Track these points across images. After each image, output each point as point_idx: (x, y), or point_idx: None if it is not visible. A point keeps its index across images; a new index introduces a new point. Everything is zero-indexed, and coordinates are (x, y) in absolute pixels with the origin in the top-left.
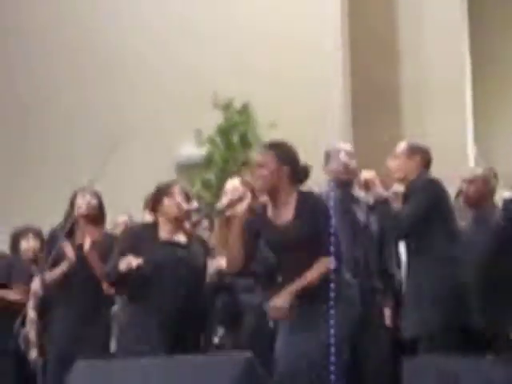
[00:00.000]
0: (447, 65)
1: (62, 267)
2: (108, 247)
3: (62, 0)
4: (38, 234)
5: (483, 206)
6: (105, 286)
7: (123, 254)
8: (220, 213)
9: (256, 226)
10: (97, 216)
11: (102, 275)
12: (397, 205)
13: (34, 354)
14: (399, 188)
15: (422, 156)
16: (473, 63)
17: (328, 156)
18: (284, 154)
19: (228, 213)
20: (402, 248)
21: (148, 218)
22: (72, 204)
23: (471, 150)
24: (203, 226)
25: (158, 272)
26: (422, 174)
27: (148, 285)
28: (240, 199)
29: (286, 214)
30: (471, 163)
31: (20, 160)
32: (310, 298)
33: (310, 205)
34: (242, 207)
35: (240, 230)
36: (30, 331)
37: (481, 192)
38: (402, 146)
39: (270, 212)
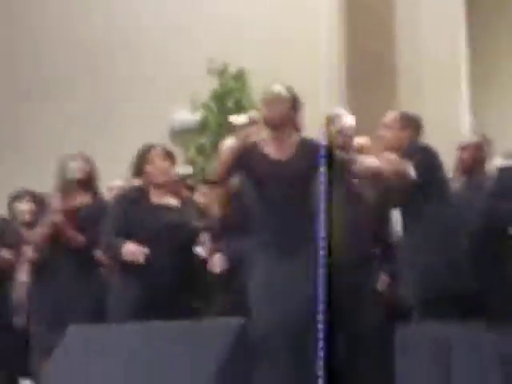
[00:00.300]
0: (443, 40)
1: (42, 228)
2: (99, 211)
3: None
4: (33, 196)
5: (476, 173)
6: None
7: (116, 219)
8: (237, 127)
9: (246, 159)
10: (88, 181)
11: (78, 242)
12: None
13: (22, 318)
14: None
15: (414, 126)
16: (468, 36)
17: (330, 120)
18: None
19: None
20: (396, 213)
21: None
22: (62, 168)
23: (468, 121)
24: (200, 190)
25: (149, 237)
26: (414, 142)
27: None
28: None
29: (285, 152)
30: (467, 134)
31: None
32: (289, 250)
33: (310, 147)
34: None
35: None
36: (20, 295)
37: (474, 158)
38: (393, 116)
39: (265, 148)
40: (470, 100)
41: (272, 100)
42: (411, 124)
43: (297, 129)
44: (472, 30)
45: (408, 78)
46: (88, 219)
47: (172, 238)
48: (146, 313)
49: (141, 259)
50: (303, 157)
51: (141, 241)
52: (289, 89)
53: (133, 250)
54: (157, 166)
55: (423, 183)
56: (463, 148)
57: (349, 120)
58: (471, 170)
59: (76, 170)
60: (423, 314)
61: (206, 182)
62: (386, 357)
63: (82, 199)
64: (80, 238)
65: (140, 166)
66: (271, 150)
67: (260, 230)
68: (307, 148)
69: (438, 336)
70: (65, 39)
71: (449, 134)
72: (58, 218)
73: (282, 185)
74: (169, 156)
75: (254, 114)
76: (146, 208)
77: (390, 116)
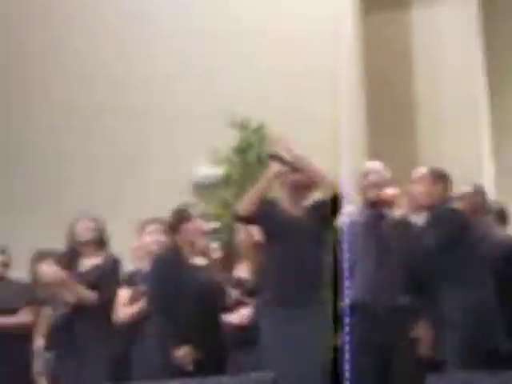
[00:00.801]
0: (462, 78)
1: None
2: (109, 270)
3: None
4: (56, 256)
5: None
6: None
7: (160, 288)
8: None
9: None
10: (97, 241)
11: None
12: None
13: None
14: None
15: (444, 181)
16: (488, 76)
17: (361, 175)
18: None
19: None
20: None
21: (146, 240)
22: (71, 230)
23: (487, 162)
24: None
25: (189, 297)
26: (446, 201)
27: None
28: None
29: (299, 210)
30: (487, 176)
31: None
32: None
33: (323, 207)
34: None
35: (266, 184)
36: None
37: (471, 208)
38: (423, 171)
39: (283, 205)
40: (490, 143)
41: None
42: (442, 179)
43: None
44: (491, 73)
45: (427, 121)
46: (100, 278)
47: (207, 298)
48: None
49: (189, 368)
50: (315, 215)
51: (180, 301)
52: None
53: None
54: (195, 225)
55: (454, 244)
56: (461, 198)
57: (382, 174)
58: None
59: (85, 230)
60: (456, 367)
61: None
62: None
63: (93, 259)
64: (91, 295)
65: (177, 223)
66: (287, 207)
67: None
68: (318, 207)
69: None
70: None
71: (469, 176)
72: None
73: (293, 237)
74: (203, 218)
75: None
76: (186, 268)
77: (421, 171)
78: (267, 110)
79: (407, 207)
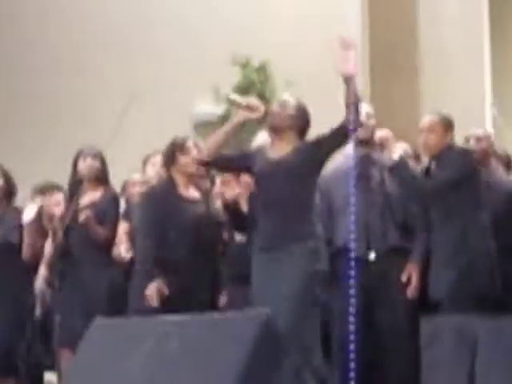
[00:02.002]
0: (465, 26)
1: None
2: (108, 206)
3: None
4: (62, 190)
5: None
6: (119, 252)
7: (151, 222)
8: (231, 102)
9: (252, 159)
10: (99, 177)
11: (102, 239)
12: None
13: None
14: (406, 148)
15: (453, 129)
16: (491, 23)
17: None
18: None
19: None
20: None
21: (150, 171)
22: (75, 166)
23: (489, 108)
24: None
25: (179, 231)
26: (452, 144)
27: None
28: (255, 108)
29: (282, 152)
30: (489, 122)
31: (32, 118)
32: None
33: (305, 146)
34: (252, 114)
35: (234, 130)
36: (44, 288)
37: (485, 151)
38: (434, 119)
39: (267, 151)
40: (492, 86)
41: (277, 106)
42: (451, 125)
43: (300, 136)
44: (494, 21)
45: (430, 67)
46: (101, 214)
47: (200, 232)
48: (170, 307)
49: (154, 304)
50: (298, 155)
51: (171, 235)
52: (297, 100)
53: (150, 294)
54: (191, 157)
55: (460, 186)
56: (477, 140)
57: (366, 111)
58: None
59: (87, 167)
60: (451, 309)
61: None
62: (412, 348)
63: (93, 195)
64: (104, 232)
65: (173, 155)
66: (270, 152)
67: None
68: (303, 147)
69: (462, 328)
70: (83, 30)
71: (472, 123)
72: (86, 212)
73: (276, 183)
74: (199, 150)
75: (253, 100)
76: (176, 202)
77: (431, 119)
78: (270, 48)
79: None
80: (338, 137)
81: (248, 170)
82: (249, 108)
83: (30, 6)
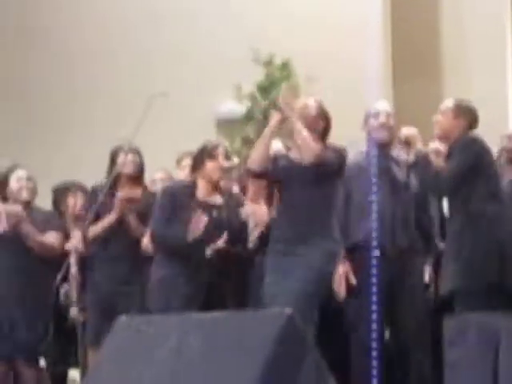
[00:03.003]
0: (488, 27)
1: (105, 222)
2: (148, 204)
3: None
4: (85, 191)
5: None
6: (144, 243)
7: (164, 213)
8: (275, 106)
9: (276, 159)
10: (138, 174)
11: (142, 234)
12: (437, 162)
13: (74, 310)
14: (440, 146)
15: (468, 116)
16: None
17: (367, 115)
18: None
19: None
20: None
21: (181, 174)
22: (113, 161)
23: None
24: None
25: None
26: (465, 134)
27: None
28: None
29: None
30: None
31: (62, 117)
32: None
33: (330, 150)
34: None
35: (270, 135)
36: (72, 287)
37: None
38: (449, 103)
39: (290, 153)
40: None
41: (299, 109)
42: (465, 113)
43: (322, 139)
44: None
45: (452, 62)
46: (144, 212)
47: (215, 236)
48: (191, 305)
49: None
50: (323, 160)
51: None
52: (318, 101)
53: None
54: (219, 164)
55: (471, 175)
56: (510, 137)
57: (387, 114)
58: None
59: (128, 163)
60: (468, 304)
61: (250, 173)
62: (435, 348)
63: (133, 191)
64: (142, 229)
65: (202, 160)
66: (292, 154)
67: (275, 230)
68: (328, 152)
69: (485, 326)
70: (97, 29)
71: (494, 122)
72: (124, 206)
73: (300, 187)
74: (228, 158)
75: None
76: (189, 203)
77: (446, 103)
78: (293, 48)
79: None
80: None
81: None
82: (285, 108)
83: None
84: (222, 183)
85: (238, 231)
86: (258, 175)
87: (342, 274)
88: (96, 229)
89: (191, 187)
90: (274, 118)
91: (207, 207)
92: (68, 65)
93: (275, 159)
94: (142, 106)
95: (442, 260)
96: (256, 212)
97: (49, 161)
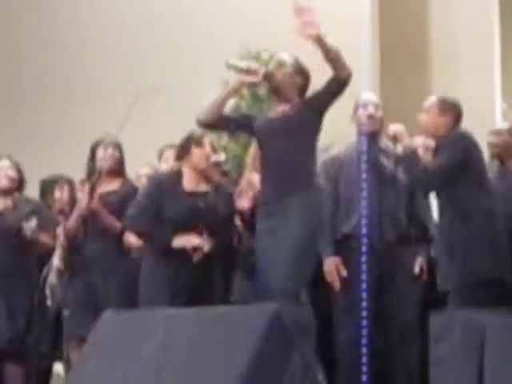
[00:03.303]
0: (476, 22)
1: (75, 213)
2: (127, 197)
3: None
4: (72, 184)
5: (508, 159)
6: (126, 237)
7: (148, 201)
8: (231, 67)
9: (252, 119)
10: (118, 168)
11: (115, 228)
12: (426, 157)
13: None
14: (429, 141)
15: (453, 112)
16: (501, 20)
17: (356, 106)
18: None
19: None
20: (433, 199)
21: (164, 166)
22: (93, 155)
23: (499, 105)
24: (232, 177)
25: (179, 224)
26: (453, 129)
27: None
28: (256, 72)
29: (283, 111)
30: (499, 119)
31: (56, 116)
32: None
33: (306, 101)
34: (251, 78)
35: (233, 93)
36: (57, 281)
37: (506, 144)
38: (432, 100)
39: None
40: (502, 83)
41: (274, 67)
42: (449, 109)
43: (300, 94)
44: (505, 17)
45: (440, 59)
46: (117, 205)
47: (197, 224)
48: (177, 299)
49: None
50: (296, 111)
51: (170, 226)
52: (295, 58)
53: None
54: (206, 152)
55: (460, 169)
56: (496, 134)
57: (374, 105)
58: (503, 156)
59: (106, 157)
60: (459, 300)
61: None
62: (421, 343)
63: (110, 186)
64: (117, 224)
65: (188, 147)
66: (272, 113)
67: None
68: (301, 103)
69: (471, 323)
70: (90, 24)
71: (482, 117)
72: (95, 203)
73: (277, 139)
74: (213, 147)
75: (253, 65)
76: (174, 193)
77: (430, 100)
78: (280, 42)
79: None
80: (333, 87)
81: (246, 128)
82: (248, 72)
83: (42, 5)
84: (211, 175)
85: (226, 220)
86: (204, 125)
87: (334, 267)
88: (71, 220)
89: (176, 176)
90: (240, 79)
91: (193, 196)
92: (64, 63)
93: (252, 119)
94: (137, 104)
95: (436, 255)
96: (249, 178)
97: (42, 158)
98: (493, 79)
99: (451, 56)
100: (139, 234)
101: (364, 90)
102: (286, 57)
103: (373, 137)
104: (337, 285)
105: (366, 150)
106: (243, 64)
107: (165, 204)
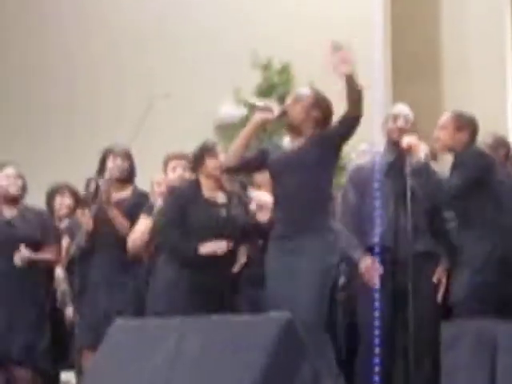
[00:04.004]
0: (488, 28)
1: (80, 235)
2: (136, 204)
3: None
4: (73, 192)
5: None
6: (130, 242)
7: (172, 215)
8: (251, 106)
9: (267, 153)
10: (127, 176)
11: (127, 234)
12: (435, 148)
13: (69, 310)
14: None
15: (469, 128)
16: None
17: (387, 117)
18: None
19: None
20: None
21: (171, 176)
22: (103, 164)
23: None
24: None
25: (202, 232)
26: (470, 146)
27: (190, 245)
28: (271, 109)
29: (299, 144)
30: (511, 124)
31: (50, 120)
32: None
33: (321, 136)
34: (267, 115)
35: (251, 132)
36: (64, 289)
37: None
38: (448, 116)
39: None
40: None
41: (291, 101)
42: (466, 125)
43: (317, 127)
44: None
45: (454, 77)
46: (129, 212)
47: (221, 234)
48: (192, 307)
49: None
50: (311, 146)
51: (194, 236)
52: (314, 91)
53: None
54: (218, 161)
55: (477, 188)
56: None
57: (405, 115)
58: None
59: (116, 166)
60: (469, 312)
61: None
62: (433, 353)
63: (120, 194)
64: (128, 226)
65: (202, 158)
66: (288, 146)
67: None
68: (316, 137)
69: (482, 332)
70: (99, 32)
71: (494, 127)
72: (108, 203)
73: (291, 174)
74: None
75: (268, 102)
76: (198, 203)
77: (445, 117)
78: (292, 50)
79: (433, 152)
80: (347, 123)
81: (265, 165)
82: (264, 109)
83: (47, 9)
84: (226, 183)
85: (247, 229)
86: (230, 170)
87: (370, 263)
88: (78, 241)
89: (196, 186)
90: (256, 116)
91: (212, 205)
92: (69, 69)
93: (267, 152)
94: (142, 109)
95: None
96: (260, 196)
97: (51, 163)
98: (505, 88)
99: (463, 65)
100: (166, 248)
101: (376, 99)
102: (305, 91)
103: (398, 149)
104: (375, 282)
105: (393, 162)
106: (259, 102)
107: (188, 213)
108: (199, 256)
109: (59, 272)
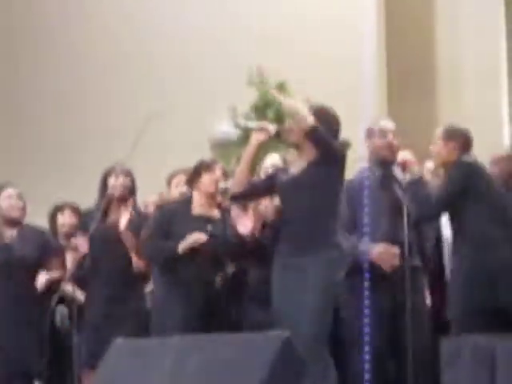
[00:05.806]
0: (482, 44)
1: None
2: (138, 226)
3: None
4: (75, 210)
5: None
6: (135, 261)
7: (158, 230)
8: (244, 128)
9: (275, 178)
10: (128, 197)
11: (138, 253)
12: (434, 183)
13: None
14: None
15: (458, 140)
16: (508, 40)
17: (371, 132)
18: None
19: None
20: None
21: (174, 192)
22: (104, 183)
23: (507, 128)
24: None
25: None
26: (459, 158)
27: (180, 261)
28: (267, 130)
29: (303, 165)
30: (507, 141)
31: (58, 137)
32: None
33: (325, 157)
34: (263, 136)
35: (252, 155)
36: (70, 308)
37: (508, 172)
38: (439, 130)
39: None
40: (510, 108)
41: (292, 121)
42: (454, 136)
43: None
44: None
45: (447, 85)
46: (136, 231)
47: (209, 250)
48: (189, 326)
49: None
50: (316, 168)
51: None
52: (319, 106)
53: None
54: (216, 177)
55: (464, 199)
56: (495, 162)
57: (391, 131)
58: (505, 183)
59: (119, 186)
60: (464, 327)
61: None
62: (433, 369)
63: (125, 213)
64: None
65: (199, 173)
66: (292, 167)
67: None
68: (320, 159)
69: (481, 347)
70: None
71: (490, 138)
72: (123, 231)
73: (297, 197)
74: (225, 174)
75: (263, 123)
76: (184, 218)
77: (438, 130)
78: (288, 67)
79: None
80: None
81: (273, 190)
82: (259, 130)
83: (51, 22)
84: (221, 201)
85: (236, 246)
86: (238, 197)
87: (382, 248)
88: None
89: (186, 202)
90: (253, 139)
91: (202, 220)
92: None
93: (276, 175)
94: (136, 127)
95: (448, 283)
96: (240, 218)
97: (43, 181)
98: (500, 101)
99: (457, 78)
100: (149, 260)
101: (371, 113)
102: (307, 111)
103: (388, 164)
104: (389, 266)
105: (381, 178)
106: (254, 124)
107: (173, 228)
108: (186, 270)
109: (69, 288)
